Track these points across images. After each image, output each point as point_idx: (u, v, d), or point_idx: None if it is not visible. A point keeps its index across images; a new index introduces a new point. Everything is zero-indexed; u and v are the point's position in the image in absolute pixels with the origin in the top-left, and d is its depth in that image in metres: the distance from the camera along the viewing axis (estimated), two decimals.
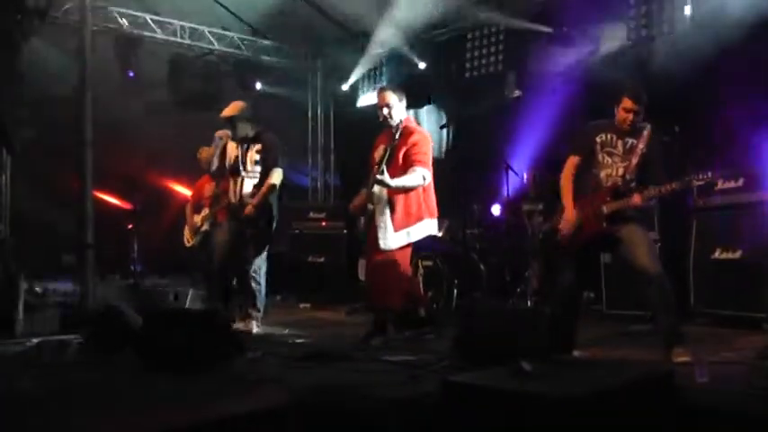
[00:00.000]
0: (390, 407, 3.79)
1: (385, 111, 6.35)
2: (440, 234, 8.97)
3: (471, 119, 9.63)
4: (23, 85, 9.59)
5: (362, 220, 6.51)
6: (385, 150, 6.19)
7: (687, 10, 8.35)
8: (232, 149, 7.37)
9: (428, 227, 6.38)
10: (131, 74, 11.11)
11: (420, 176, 6.15)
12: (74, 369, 5.50)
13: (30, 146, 9.97)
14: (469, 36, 10.51)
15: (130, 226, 14.20)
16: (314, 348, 5.80)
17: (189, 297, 7.93)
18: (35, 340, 6.87)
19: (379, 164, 6.09)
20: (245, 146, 7.32)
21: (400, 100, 6.40)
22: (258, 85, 12.26)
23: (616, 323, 7.37)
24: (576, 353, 5.05)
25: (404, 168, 6.19)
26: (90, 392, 4.59)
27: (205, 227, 8.61)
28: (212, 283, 7.57)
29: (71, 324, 7.65)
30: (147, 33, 10.99)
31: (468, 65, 10.50)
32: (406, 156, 6.22)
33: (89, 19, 9.31)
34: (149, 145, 12.33)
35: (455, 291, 8.42)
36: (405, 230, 6.24)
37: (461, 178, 9.34)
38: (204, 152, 8.52)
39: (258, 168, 7.27)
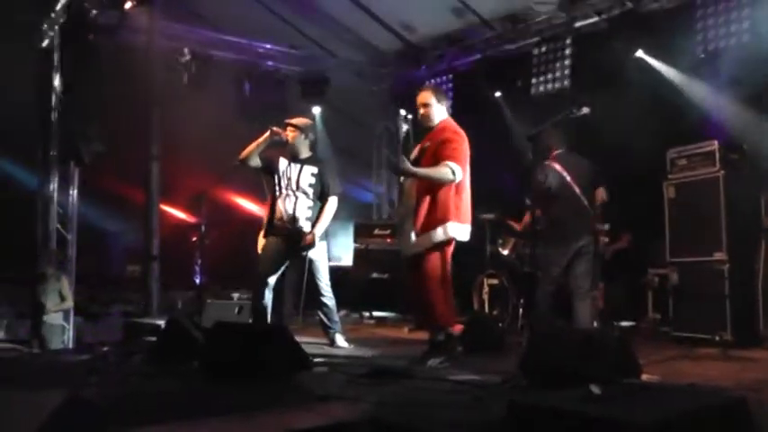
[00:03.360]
0: (455, 428, 3.77)
1: (422, 110, 6.13)
2: (505, 252, 8.95)
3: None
4: (93, 101, 9.84)
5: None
6: (419, 150, 6.00)
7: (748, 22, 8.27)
8: (282, 164, 7.22)
9: (455, 230, 5.90)
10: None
11: (449, 170, 5.76)
12: (135, 379, 5.56)
13: (99, 160, 10.20)
14: (535, 52, 10.47)
15: (195, 238, 14.42)
16: (377, 365, 5.78)
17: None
18: (102, 349, 7.01)
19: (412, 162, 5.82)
20: (300, 165, 7.21)
21: (439, 101, 6.16)
22: (317, 109, 12.36)
23: (684, 346, 7.25)
24: (644, 376, 4.97)
25: (434, 165, 5.87)
26: (150, 403, 4.63)
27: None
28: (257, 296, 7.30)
29: (135, 334, 7.80)
30: (215, 52, 11.14)
31: (533, 80, 10.46)
32: (437, 152, 5.88)
33: (157, 37, 9.53)
34: (215, 160, 12.53)
35: (520, 309, 8.38)
36: (429, 233, 5.85)
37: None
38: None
39: (311, 190, 7.16)
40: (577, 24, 10.00)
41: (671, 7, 9.11)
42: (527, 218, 7.48)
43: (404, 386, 5.07)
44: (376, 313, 10.13)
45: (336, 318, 7.40)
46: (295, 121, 7.30)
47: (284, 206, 7.14)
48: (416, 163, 5.88)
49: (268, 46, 11.53)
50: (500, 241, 8.95)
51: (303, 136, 7.24)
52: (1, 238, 12.10)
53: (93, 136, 9.85)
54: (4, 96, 10.22)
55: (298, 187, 7.14)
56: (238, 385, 4.94)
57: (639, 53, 9.27)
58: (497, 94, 11.07)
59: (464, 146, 5.98)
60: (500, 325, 8.03)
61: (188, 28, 10.74)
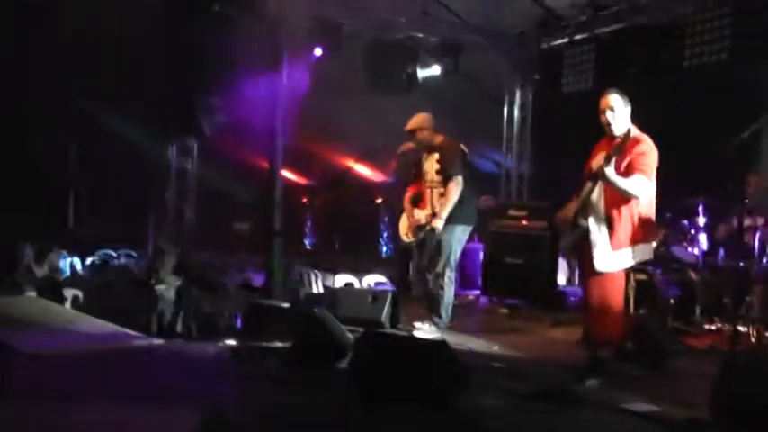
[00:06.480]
0: None
1: (608, 114, 5.70)
2: (654, 244, 8.29)
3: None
4: (216, 71, 9.67)
5: (568, 234, 5.90)
6: (607, 157, 5.48)
7: None
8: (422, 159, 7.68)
9: (647, 251, 5.78)
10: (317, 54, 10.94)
11: (641, 185, 5.49)
12: (279, 388, 5.28)
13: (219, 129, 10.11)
14: (690, 20, 9.50)
15: (305, 200, 14.28)
16: (537, 384, 5.34)
17: (387, 301, 7.58)
18: (228, 342, 6.70)
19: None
20: (429, 156, 7.61)
21: (625, 105, 5.75)
22: (437, 68, 11.81)
23: None
24: None
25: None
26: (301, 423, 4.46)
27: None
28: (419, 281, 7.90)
29: (260, 319, 7.37)
30: (345, 21, 10.68)
31: (687, 51, 9.53)
32: (629, 165, 5.54)
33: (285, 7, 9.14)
34: (337, 125, 12.29)
35: (670, 310, 7.72)
36: (624, 250, 5.58)
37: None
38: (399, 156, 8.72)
39: (438, 178, 7.50)
40: None
41: None
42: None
43: (576, 417, 4.74)
44: (508, 300, 9.55)
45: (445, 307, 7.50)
46: (411, 124, 7.60)
47: (428, 200, 7.62)
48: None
49: (400, 14, 10.96)
50: None
51: (424, 132, 7.56)
52: (116, 204, 12.13)
53: (216, 107, 9.73)
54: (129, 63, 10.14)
55: (426, 179, 7.64)
56: (399, 408, 4.54)
57: None
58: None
59: (655, 161, 5.65)
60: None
61: None
